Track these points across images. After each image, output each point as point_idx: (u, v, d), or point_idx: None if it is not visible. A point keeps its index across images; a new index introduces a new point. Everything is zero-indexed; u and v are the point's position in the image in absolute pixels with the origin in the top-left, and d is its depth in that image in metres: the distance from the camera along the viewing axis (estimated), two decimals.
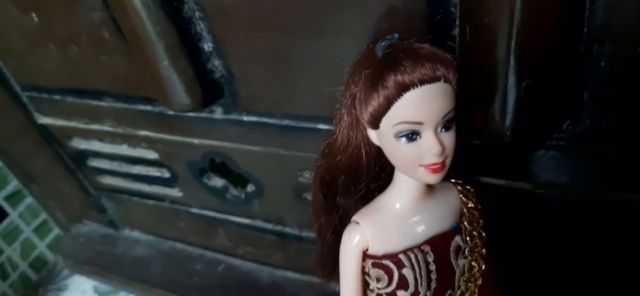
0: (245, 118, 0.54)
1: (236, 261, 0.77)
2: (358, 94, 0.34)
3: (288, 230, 0.67)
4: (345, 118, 0.36)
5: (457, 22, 0.36)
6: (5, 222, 0.87)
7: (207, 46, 0.49)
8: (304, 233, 0.65)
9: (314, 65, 0.45)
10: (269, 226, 0.68)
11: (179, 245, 0.83)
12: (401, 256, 0.37)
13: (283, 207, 0.63)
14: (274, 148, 0.55)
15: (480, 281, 0.38)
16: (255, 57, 0.48)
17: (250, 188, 0.64)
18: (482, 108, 0.37)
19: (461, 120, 0.34)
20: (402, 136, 0.33)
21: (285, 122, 0.52)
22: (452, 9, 0.36)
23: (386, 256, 0.37)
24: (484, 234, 0.39)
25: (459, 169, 0.45)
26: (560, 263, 0.47)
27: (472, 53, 0.36)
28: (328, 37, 0.42)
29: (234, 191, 0.66)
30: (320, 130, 0.50)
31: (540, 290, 0.50)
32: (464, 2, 0.35)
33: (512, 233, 0.47)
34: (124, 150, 0.70)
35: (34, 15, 0.57)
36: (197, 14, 0.47)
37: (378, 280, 0.38)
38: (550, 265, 0.48)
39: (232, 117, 0.55)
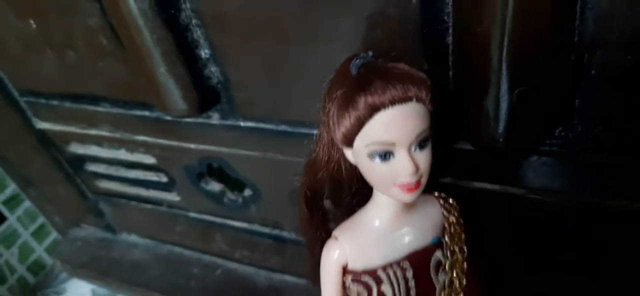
0: (242, 123, 0.55)
1: (233, 265, 0.78)
2: (332, 113, 0.34)
3: (285, 234, 0.67)
4: (325, 134, 0.36)
5: (451, 31, 0.37)
6: (4, 226, 0.88)
7: (204, 53, 0.49)
8: (301, 237, 0.65)
9: (310, 71, 0.45)
10: (266, 230, 0.68)
11: (177, 249, 0.84)
12: (380, 272, 0.37)
13: (280, 211, 0.63)
14: (271, 153, 0.56)
15: None
16: (252, 64, 0.48)
17: (247, 192, 0.64)
18: (476, 115, 0.38)
19: (455, 126, 0.35)
20: (375, 156, 0.33)
21: (282, 127, 0.52)
22: (446, 17, 0.36)
23: (365, 273, 0.37)
24: (465, 249, 0.39)
25: (452, 174, 0.46)
26: (553, 268, 0.48)
27: (465, 61, 0.37)
28: (324, 44, 0.43)
29: (231, 195, 0.67)
30: (316, 135, 0.50)
31: (533, 294, 0.50)
32: (456, 11, 0.35)
33: (506, 238, 0.47)
34: (122, 154, 0.70)
35: (31, 21, 0.57)
36: (194, 21, 0.47)
37: (358, 295, 0.38)
38: (543, 269, 0.48)
39: (229, 122, 0.55)
